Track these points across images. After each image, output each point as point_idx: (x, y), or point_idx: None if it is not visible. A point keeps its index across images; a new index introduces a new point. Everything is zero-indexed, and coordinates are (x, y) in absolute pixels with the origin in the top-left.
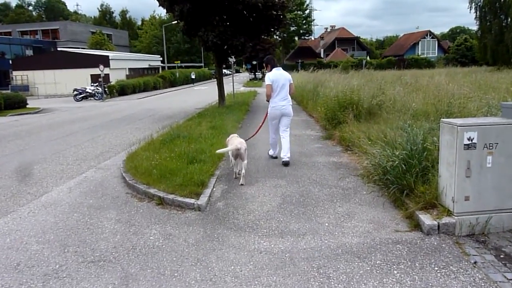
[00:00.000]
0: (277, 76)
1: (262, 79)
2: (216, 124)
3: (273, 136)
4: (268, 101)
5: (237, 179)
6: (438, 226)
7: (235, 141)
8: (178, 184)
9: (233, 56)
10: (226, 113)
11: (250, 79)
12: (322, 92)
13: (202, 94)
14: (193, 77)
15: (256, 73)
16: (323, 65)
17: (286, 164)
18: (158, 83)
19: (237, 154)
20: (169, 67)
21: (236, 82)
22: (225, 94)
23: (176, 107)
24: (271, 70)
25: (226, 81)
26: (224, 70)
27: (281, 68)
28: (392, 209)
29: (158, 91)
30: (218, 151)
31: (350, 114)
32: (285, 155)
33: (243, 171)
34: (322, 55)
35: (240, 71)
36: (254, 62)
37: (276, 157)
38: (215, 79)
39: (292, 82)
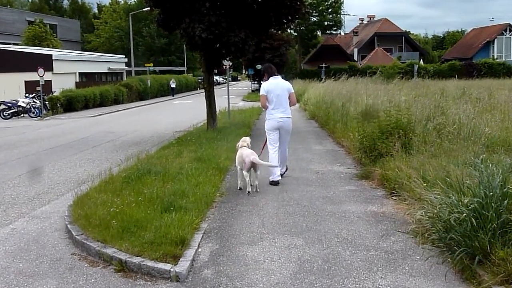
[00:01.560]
0: (273, 85)
1: None
2: (204, 155)
3: (272, 152)
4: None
5: (250, 194)
6: None
7: (247, 153)
8: (147, 242)
9: (228, 58)
10: (218, 139)
11: (253, 90)
12: (355, 111)
13: (185, 110)
14: (172, 86)
15: (262, 82)
16: (357, 71)
17: (281, 175)
18: (121, 94)
19: (252, 166)
20: (137, 72)
21: (233, 94)
22: (217, 112)
23: (146, 130)
24: (268, 79)
25: (219, 93)
26: (216, 78)
27: (279, 76)
28: (458, 282)
29: (121, 105)
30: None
31: (396, 143)
32: (281, 169)
33: (257, 182)
34: (355, 57)
35: (239, 78)
36: (259, 67)
37: (277, 183)
38: (203, 90)
39: (292, 91)
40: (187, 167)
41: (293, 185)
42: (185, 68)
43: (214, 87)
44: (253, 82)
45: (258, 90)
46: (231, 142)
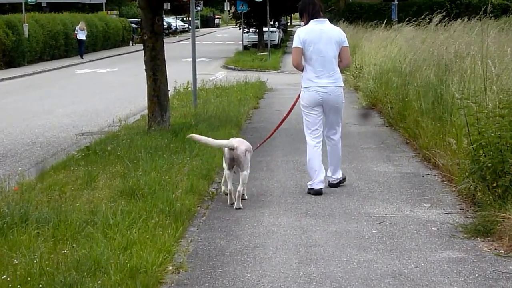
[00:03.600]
0: (315, 34)
1: (285, 45)
2: (141, 184)
3: (310, 145)
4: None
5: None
6: None
7: (232, 140)
8: None
9: None
10: (170, 150)
11: (246, 47)
12: (460, 92)
13: (102, 89)
14: (81, 38)
15: (265, 29)
16: (468, 6)
17: (332, 186)
18: None
19: (232, 159)
20: (1, 9)
21: (206, 54)
22: (171, 92)
23: (20, 130)
24: (307, 23)
25: (176, 52)
26: (168, 20)
27: (326, 20)
28: None
29: None
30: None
31: None
32: (332, 175)
33: (241, 188)
34: None
35: (217, 21)
36: None
37: (320, 193)
38: (141, 46)
39: (346, 45)
40: (106, 210)
41: (330, 247)
42: (103, 1)
43: (165, 40)
44: (246, 31)
45: (256, 46)
46: (201, 156)
